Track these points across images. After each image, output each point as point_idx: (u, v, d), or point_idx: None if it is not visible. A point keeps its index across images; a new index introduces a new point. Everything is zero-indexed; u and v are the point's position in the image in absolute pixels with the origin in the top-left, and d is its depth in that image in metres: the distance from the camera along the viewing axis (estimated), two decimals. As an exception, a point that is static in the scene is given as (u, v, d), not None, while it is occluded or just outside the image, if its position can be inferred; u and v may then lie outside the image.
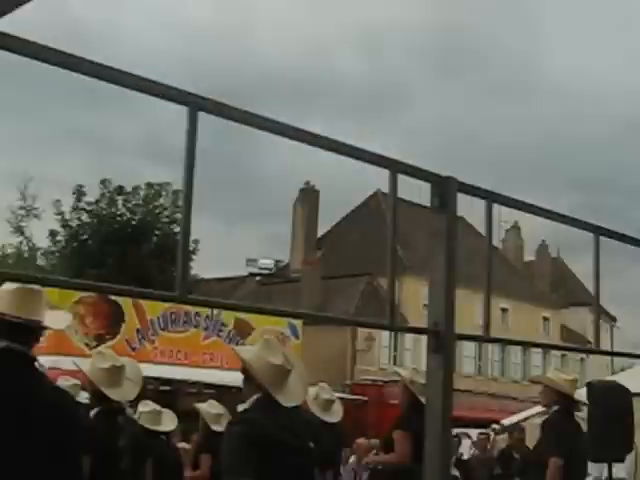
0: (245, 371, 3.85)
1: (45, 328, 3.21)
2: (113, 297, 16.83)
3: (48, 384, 3.24)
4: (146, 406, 6.77)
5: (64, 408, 3.17)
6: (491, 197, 2.01)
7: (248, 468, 3.54)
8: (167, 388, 15.91)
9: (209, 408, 7.34)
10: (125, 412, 5.40)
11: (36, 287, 3.19)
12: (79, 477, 3.23)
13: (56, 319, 3.51)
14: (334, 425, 7.62)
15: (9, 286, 3.14)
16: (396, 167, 1.87)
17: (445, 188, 1.94)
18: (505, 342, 3.50)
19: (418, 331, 2.28)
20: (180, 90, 1.50)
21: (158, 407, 6.84)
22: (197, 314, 18.20)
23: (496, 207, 1.99)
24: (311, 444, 3.75)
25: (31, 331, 3.12)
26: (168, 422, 6.88)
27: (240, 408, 3.84)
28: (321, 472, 3.94)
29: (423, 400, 6.36)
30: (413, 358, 28.90)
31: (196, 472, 7.19)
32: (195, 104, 1.50)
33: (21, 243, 26.83)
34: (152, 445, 6.40)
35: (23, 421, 2.93)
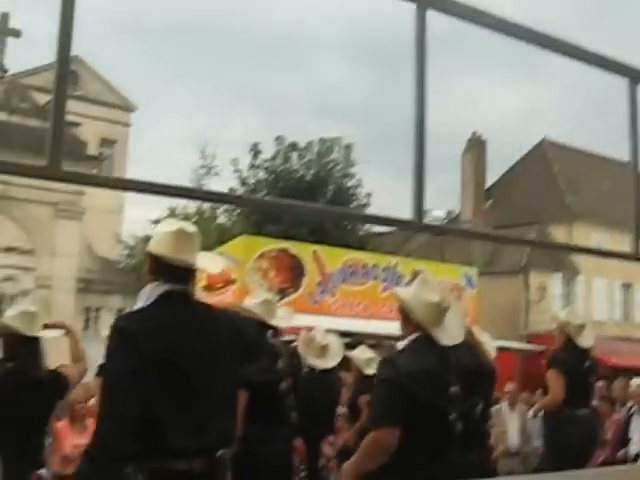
0: (402, 310, 3.79)
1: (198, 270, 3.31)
2: (294, 251, 17.19)
3: (213, 314, 3.34)
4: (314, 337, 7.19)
5: (237, 333, 3.30)
6: None
7: (394, 415, 3.47)
8: (347, 340, 16.17)
9: (360, 354, 7.73)
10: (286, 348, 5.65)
11: (193, 230, 3.34)
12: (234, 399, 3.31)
13: (212, 262, 3.63)
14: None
15: (167, 228, 3.31)
16: (636, 75, 1.73)
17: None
18: None
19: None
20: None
21: (326, 340, 7.24)
22: (375, 266, 18.35)
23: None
24: (455, 388, 3.59)
25: (189, 272, 3.26)
26: (332, 357, 7.25)
27: (398, 347, 3.77)
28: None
29: (578, 341, 6.34)
30: (585, 306, 28.30)
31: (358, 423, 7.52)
32: (424, 1, 1.43)
33: (203, 201, 27.91)
34: (311, 380, 6.73)
35: (189, 356, 3.08)
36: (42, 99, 24.12)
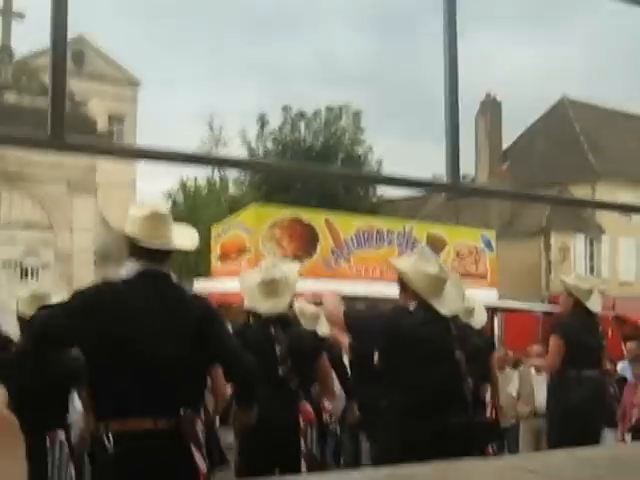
0: (401, 281, 3.87)
1: (173, 250, 3.52)
2: (306, 219, 16.92)
3: (186, 293, 3.57)
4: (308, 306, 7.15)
5: (205, 311, 3.50)
6: None
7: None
8: (363, 305, 15.84)
9: None
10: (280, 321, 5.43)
11: (164, 211, 3.51)
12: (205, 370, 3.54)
13: (186, 237, 3.68)
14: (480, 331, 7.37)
15: (139, 212, 3.46)
16: None
17: None
18: None
19: None
20: None
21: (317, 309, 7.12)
22: (390, 231, 18.02)
23: None
24: (460, 354, 3.74)
25: (165, 253, 3.46)
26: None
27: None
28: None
29: (587, 305, 6.19)
30: (610, 267, 27.80)
31: None
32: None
33: (212, 173, 27.92)
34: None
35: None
36: (50, 80, 24.15)
